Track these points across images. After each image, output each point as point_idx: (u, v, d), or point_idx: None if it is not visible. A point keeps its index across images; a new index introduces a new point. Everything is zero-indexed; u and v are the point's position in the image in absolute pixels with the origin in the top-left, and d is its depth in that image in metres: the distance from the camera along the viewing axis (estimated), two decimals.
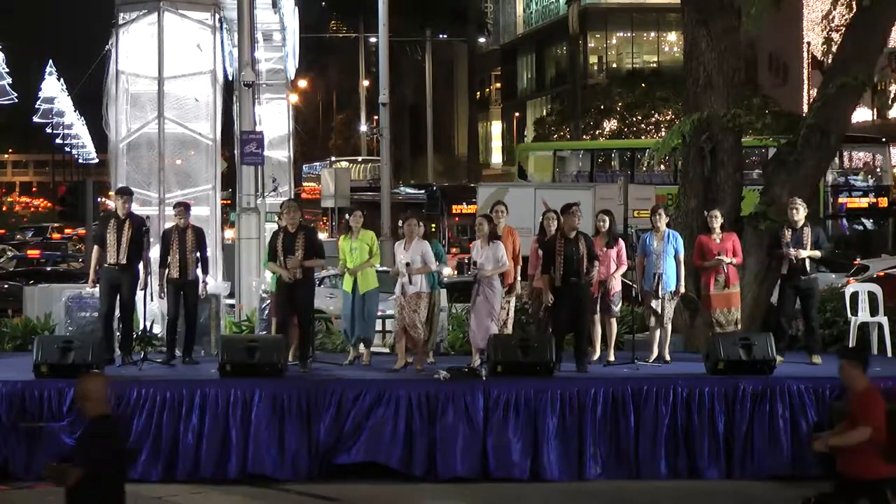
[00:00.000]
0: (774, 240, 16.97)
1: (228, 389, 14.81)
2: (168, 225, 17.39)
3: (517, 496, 14.33)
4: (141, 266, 16.65)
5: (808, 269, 16.64)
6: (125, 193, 17.08)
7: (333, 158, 62.44)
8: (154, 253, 17.19)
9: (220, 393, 14.76)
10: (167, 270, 16.66)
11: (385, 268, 16.73)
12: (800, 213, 16.72)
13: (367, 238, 16.67)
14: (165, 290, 16.69)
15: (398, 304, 16.15)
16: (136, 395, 14.74)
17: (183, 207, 17.04)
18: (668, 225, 17.04)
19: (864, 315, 17.64)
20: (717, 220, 16.86)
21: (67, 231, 66.86)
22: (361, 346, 16.68)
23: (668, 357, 16.75)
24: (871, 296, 17.77)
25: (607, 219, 16.98)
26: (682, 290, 16.89)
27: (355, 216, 16.86)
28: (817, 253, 16.69)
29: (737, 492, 14.50)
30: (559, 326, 16.16)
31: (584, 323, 16.25)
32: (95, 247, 16.91)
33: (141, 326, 16.93)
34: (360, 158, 64.07)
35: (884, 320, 17.61)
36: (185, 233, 16.74)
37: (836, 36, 19.07)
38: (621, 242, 17.02)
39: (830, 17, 19.38)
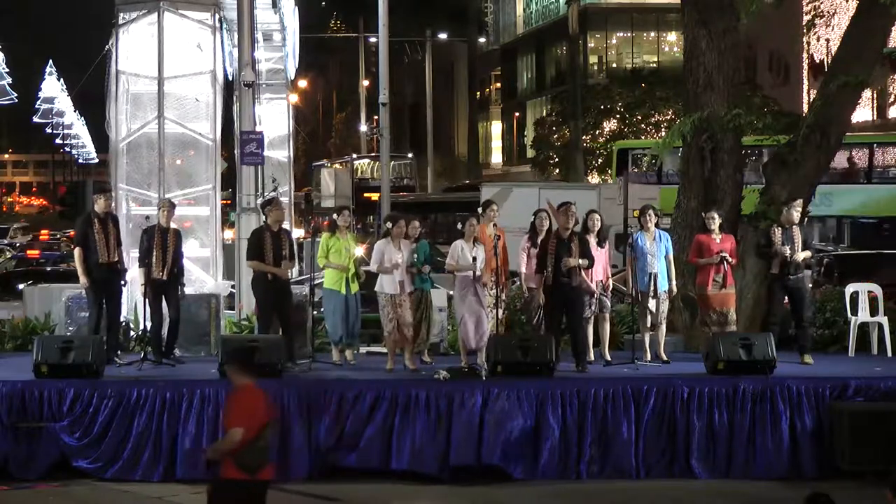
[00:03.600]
0: (765, 239, 16.94)
1: (228, 389, 14.78)
2: (148, 224, 17.17)
3: (517, 496, 14.33)
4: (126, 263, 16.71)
5: (799, 268, 16.71)
6: (106, 192, 17.14)
7: (355, 156, 61.90)
8: (134, 252, 17.20)
9: (220, 393, 14.75)
10: (149, 270, 16.56)
11: (369, 267, 16.72)
12: (797, 214, 16.81)
13: (353, 239, 16.82)
14: (147, 290, 16.60)
15: (392, 303, 16.13)
16: (136, 395, 14.75)
17: (169, 205, 17.01)
18: (656, 225, 17.04)
19: (864, 315, 17.64)
20: (716, 222, 16.88)
21: (45, 231, 67.00)
22: (346, 348, 16.75)
23: (665, 357, 16.75)
24: (871, 296, 17.77)
25: (598, 217, 16.97)
26: (675, 289, 16.92)
27: (344, 215, 16.88)
28: (808, 253, 16.79)
29: (737, 492, 14.50)
30: (553, 327, 16.15)
31: (578, 323, 16.25)
32: (78, 248, 16.84)
33: (141, 327, 16.93)
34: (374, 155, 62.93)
35: (884, 320, 17.61)
36: (167, 233, 16.71)
37: (818, 21, 19.12)
38: (607, 245, 17.06)
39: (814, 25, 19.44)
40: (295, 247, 16.71)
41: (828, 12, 19.08)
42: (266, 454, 10.10)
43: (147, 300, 16.58)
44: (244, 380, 10.26)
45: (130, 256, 17.29)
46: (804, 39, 50.12)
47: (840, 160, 35.79)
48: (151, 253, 16.53)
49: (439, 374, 15.30)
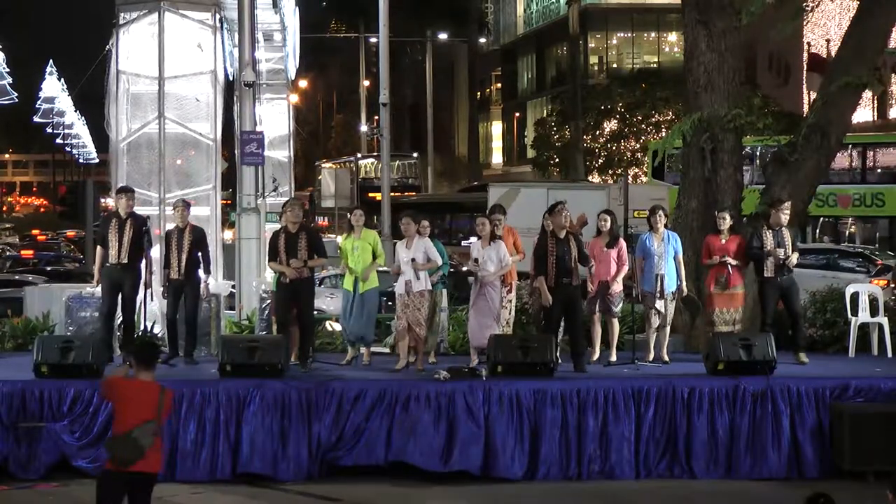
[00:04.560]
0: (758, 241, 16.82)
1: (228, 389, 14.82)
2: (170, 225, 17.47)
3: (517, 496, 14.33)
4: (143, 265, 16.68)
5: (791, 267, 16.69)
6: (127, 192, 17.13)
7: (360, 155, 61.78)
8: (155, 252, 17.23)
9: (221, 393, 14.77)
10: (168, 271, 16.69)
11: (385, 267, 16.75)
12: (785, 216, 16.80)
13: (370, 238, 16.71)
14: (166, 290, 16.75)
15: (402, 303, 16.17)
16: None
17: (183, 205, 17.05)
18: (665, 226, 17.04)
19: (864, 315, 17.63)
20: (726, 222, 16.86)
21: (36, 231, 67.05)
22: (361, 347, 16.74)
23: (666, 357, 16.75)
24: (872, 296, 17.77)
25: (608, 218, 16.96)
26: (684, 290, 16.90)
27: (356, 215, 16.86)
28: (796, 254, 16.75)
29: (737, 492, 14.50)
30: (552, 327, 16.14)
31: (578, 323, 16.24)
32: (98, 247, 16.95)
33: (142, 326, 16.94)
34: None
35: (884, 321, 17.60)
36: (184, 233, 16.76)
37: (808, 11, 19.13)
38: (622, 242, 16.98)
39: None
40: (320, 245, 16.57)
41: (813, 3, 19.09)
42: (137, 449, 10.30)
43: (165, 298, 16.75)
44: (143, 375, 10.52)
45: (147, 257, 17.14)
46: (806, 40, 50.22)
47: (891, 160, 35.72)
48: (170, 254, 16.67)
49: (439, 375, 15.30)
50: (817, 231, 35.73)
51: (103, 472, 10.57)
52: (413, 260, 16.09)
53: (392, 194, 38.89)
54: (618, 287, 16.82)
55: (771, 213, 16.86)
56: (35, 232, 67.39)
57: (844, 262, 28.87)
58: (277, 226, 17.42)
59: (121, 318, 16.92)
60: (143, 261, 16.68)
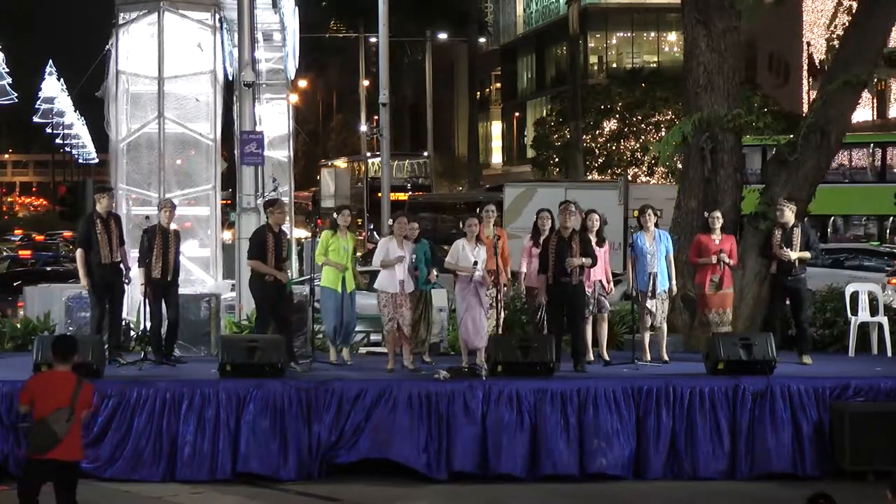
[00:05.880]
0: (766, 239, 17.01)
1: (228, 389, 14.82)
2: (152, 223, 17.24)
3: (517, 496, 14.33)
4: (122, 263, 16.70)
5: (796, 268, 16.67)
6: (108, 191, 17.12)
7: (368, 154, 61.63)
8: (134, 251, 17.21)
9: (221, 393, 14.77)
10: (147, 270, 16.53)
11: (375, 267, 16.75)
12: (786, 214, 16.81)
13: (353, 242, 16.79)
14: (147, 290, 16.58)
15: (393, 302, 16.13)
16: (136, 395, 14.75)
17: (171, 206, 17.01)
18: (656, 225, 17.05)
19: (864, 315, 17.64)
20: (719, 221, 16.89)
21: (19, 231, 66.62)
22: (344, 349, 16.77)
23: (666, 357, 16.75)
24: (871, 296, 17.77)
25: (598, 218, 16.97)
26: (675, 288, 16.93)
27: (344, 215, 16.84)
28: (807, 254, 16.72)
29: (737, 492, 14.50)
30: (554, 327, 16.12)
31: (579, 323, 16.23)
32: (81, 249, 16.73)
33: (141, 326, 16.93)
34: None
35: (884, 320, 17.61)
36: (169, 234, 16.71)
37: (837, 44, 19.22)
38: (606, 244, 17.04)
39: (833, 25, 19.50)
40: (293, 248, 16.72)
41: (845, 30, 19.02)
42: (51, 435, 10.66)
43: (147, 300, 16.57)
44: (59, 367, 10.98)
45: (131, 256, 17.28)
46: (806, 40, 50.22)
47: None
48: (152, 253, 16.51)
49: (439, 375, 15.30)
50: (887, 231, 35.71)
51: (25, 462, 10.98)
52: (410, 262, 16.13)
53: (404, 194, 38.67)
54: (610, 286, 16.87)
55: (777, 213, 16.89)
56: (18, 231, 66.92)
57: (872, 261, 28.72)
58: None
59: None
60: (124, 258, 16.70)
